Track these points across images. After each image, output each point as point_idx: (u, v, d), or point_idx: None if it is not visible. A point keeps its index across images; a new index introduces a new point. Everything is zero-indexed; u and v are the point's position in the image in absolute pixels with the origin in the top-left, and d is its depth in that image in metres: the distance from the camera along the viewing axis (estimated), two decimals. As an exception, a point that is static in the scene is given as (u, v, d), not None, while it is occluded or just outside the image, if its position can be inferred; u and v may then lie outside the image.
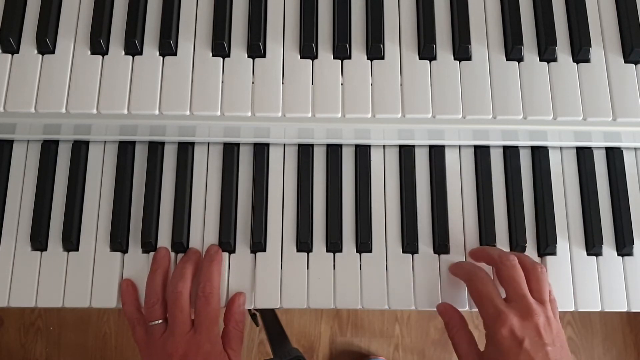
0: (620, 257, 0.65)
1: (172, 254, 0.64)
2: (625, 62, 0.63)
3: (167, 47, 0.61)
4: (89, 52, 0.61)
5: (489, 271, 0.61)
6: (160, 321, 0.59)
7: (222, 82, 0.61)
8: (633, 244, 0.65)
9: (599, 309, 0.63)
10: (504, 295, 0.58)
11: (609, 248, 0.65)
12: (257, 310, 1.02)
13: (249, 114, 0.60)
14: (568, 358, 0.55)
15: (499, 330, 0.54)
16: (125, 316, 0.61)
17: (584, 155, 0.67)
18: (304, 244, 0.64)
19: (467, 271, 0.60)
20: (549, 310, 0.56)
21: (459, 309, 0.61)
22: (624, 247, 0.65)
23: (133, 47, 0.61)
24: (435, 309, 0.62)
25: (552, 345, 0.54)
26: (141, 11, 0.62)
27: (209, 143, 0.67)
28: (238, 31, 0.63)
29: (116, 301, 0.62)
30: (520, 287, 0.57)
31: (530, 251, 0.65)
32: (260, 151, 0.66)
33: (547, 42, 0.62)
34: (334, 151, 0.67)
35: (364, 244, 0.64)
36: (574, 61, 0.62)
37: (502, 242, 0.65)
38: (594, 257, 0.65)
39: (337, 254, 0.64)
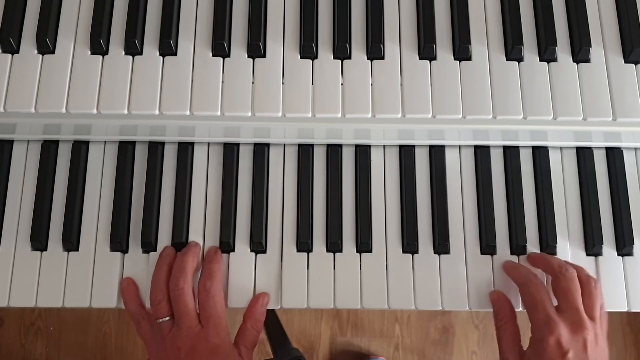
0: (620, 257, 0.65)
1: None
2: (625, 62, 0.63)
3: (167, 47, 0.61)
4: (89, 52, 0.61)
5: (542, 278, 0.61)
6: (167, 318, 0.60)
7: (222, 82, 0.61)
8: (633, 244, 0.65)
9: (599, 309, 0.63)
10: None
11: (609, 248, 0.65)
12: (257, 310, 1.02)
13: (249, 114, 0.60)
14: None
15: (546, 337, 0.54)
16: (128, 313, 0.62)
17: (584, 155, 0.67)
18: (304, 244, 0.64)
19: (524, 276, 0.60)
20: (598, 327, 0.56)
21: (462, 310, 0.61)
22: (624, 247, 0.65)
23: (133, 47, 0.61)
24: (435, 309, 0.62)
25: None
26: (141, 11, 0.62)
27: (209, 143, 0.67)
28: (238, 31, 0.63)
29: (116, 301, 0.62)
30: (575, 299, 0.56)
31: (530, 251, 0.64)
32: (260, 151, 0.66)
33: (547, 42, 0.62)
34: (334, 151, 0.67)
35: (364, 244, 0.64)
36: (574, 61, 0.62)
37: (502, 242, 0.65)
38: (594, 257, 0.65)
39: (337, 254, 0.64)
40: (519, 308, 0.62)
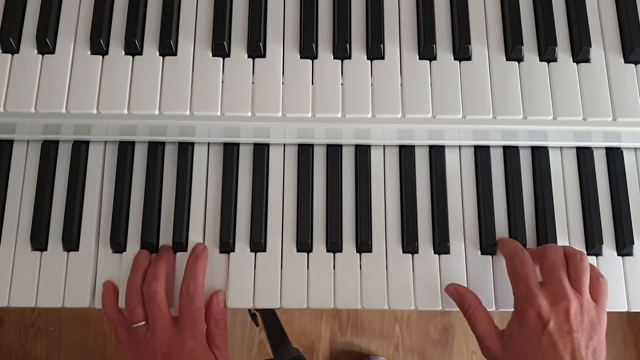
0: (620, 257, 0.65)
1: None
2: (625, 62, 0.63)
3: (167, 47, 0.61)
4: (89, 52, 0.61)
5: None
6: (142, 323, 0.60)
7: (222, 82, 0.61)
8: (633, 244, 0.65)
9: (599, 309, 0.63)
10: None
11: (609, 248, 0.65)
12: (257, 310, 1.02)
13: (249, 114, 0.60)
14: (599, 354, 0.53)
15: (526, 310, 0.54)
16: (106, 317, 0.62)
17: (584, 155, 0.67)
18: (304, 244, 0.64)
19: (511, 249, 0.60)
20: (585, 299, 0.55)
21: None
22: (624, 247, 0.65)
23: (133, 47, 0.61)
24: (435, 309, 0.62)
25: (579, 332, 0.53)
26: (141, 11, 0.62)
27: (209, 143, 0.67)
28: (238, 31, 0.63)
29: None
30: (557, 271, 0.56)
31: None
32: (260, 151, 0.66)
33: (547, 42, 0.62)
34: (334, 151, 0.67)
35: (364, 244, 0.64)
36: (574, 61, 0.62)
37: (502, 242, 0.65)
38: (594, 257, 0.65)
39: (337, 254, 0.64)
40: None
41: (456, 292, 0.61)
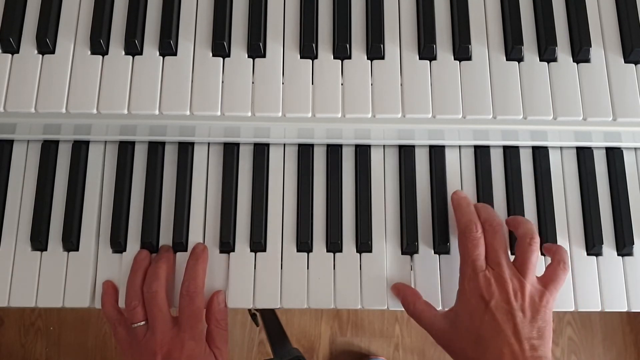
0: (620, 257, 0.65)
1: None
2: (625, 62, 0.62)
3: (167, 47, 0.61)
4: (89, 52, 0.61)
5: None
6: (142, 323, 0.60)
7: (222, 82, 0.61)
8: (633, 244, 0.65)
9: (599, 309, 0.63)
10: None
11: (609, 248, 0.65)
12: (257, 310, 1.02)
13: (249, 114, 0.60)
14: (543, 332, 0.55)
15: (468, 288, 0.57)
16: (105, 317, 0.62)
17: (584, 155, 0.67)
18: (304, 244, 0.64)
19: (465, 223, 0.60)
20: (527, 280, 0.57)
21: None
22: (624, 247, 0.65)
23: (133, 47, 0.61)
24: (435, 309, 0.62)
25: (520, 311, 0.55)
26: (141, 11, 0.62)
27: (209, 143, 0.67)
28: (238, 31, 0.63)
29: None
30: (496, 253, 0.58)
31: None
32: (260, 151, 0.66)
33: (547, 42, 0.62)
34: (334, 151, 0.67)
35: (364, 244, 0.64)
36: (574, 61, 0.62)
37: (502, 242, 0.65)
38: (594, 257, 0.65)
39: (337, 254, 0.64)
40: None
41: (398, 291, 0.62)
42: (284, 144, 0.67)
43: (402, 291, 0.62)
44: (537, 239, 0.59)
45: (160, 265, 0.60)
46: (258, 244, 0.63)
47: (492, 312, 0.55)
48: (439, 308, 0.62)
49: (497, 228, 0.59)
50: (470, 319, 0.56)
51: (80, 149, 0.66)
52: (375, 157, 0.67)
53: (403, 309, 0.62)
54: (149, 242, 0.63)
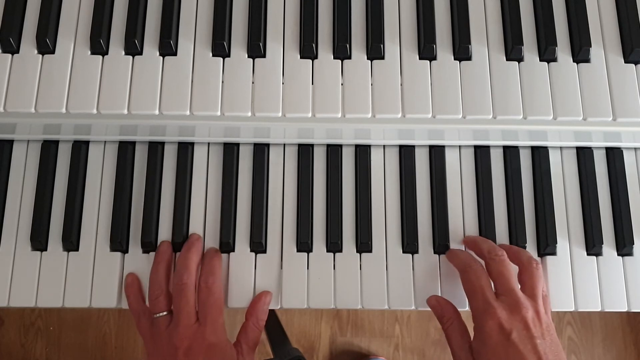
0: (620, 257, 0.65)
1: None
2: (625, 62, 0.63)
3: (167, 47, 0.61)
4: (89, 52, 0.61)
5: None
6: (164, 313, 0.60)
7: (222, 82, 0.61)
8: (633, 244, 0.65)
9: (599, 309, 0.63)
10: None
11: (609, 248, 0.65)
12: (257, 310, 1.02)
13: (249, 114, 0.60)
14: (559, 353, 0.55)
15: (486, 323, 0.55)
16: (130, 309, 0.62)
17: (584, 155, 0.67)
18: (304, 244, 0.64)
19: (463, 262, 0.60)
20: (539, 305, 0.56)
21: (459, 310, 0.61)
22: (624, 247, 0.65)
23: (133, 47, 0.61)
24: (434, 309, 0.62)
25: (540, 338, 0.54)
26: (141, 11, 0.62)
27: (209, 143, 0.67)
28: (238, 31, 0.63)
29: (117, 301, 0.62)
30: (508, 281, 0.57)
31: (530, 251, 0.64)
32: (260, 151, 0.66)
33: (547, 42, 0.62)
34: (334, 151, 0.67)
35: (364, 244, 0.64)
36: (574, 61, 0.62)
37: (502, 241, 0.65)
38: (594, 257, 0.65)
39: (337, 254, 0.64)
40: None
41: (437, 304, 0.61)
42: (284, 144, 0.67)
43: (442, 308, 0.61)
44: (540, 263, 0.59)
45: (191, 257, 0.61)
46: (258, 244, 0.63)
47: (515, 345, 0.54)
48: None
49: (503, 257, 0.59)
50: (494, 354, 0.55)
51: (80, 149, 0.66)
52: (375, 157, 0.67)
53: (402, 309, 0.61)
54: (149, 242, 0.63)
